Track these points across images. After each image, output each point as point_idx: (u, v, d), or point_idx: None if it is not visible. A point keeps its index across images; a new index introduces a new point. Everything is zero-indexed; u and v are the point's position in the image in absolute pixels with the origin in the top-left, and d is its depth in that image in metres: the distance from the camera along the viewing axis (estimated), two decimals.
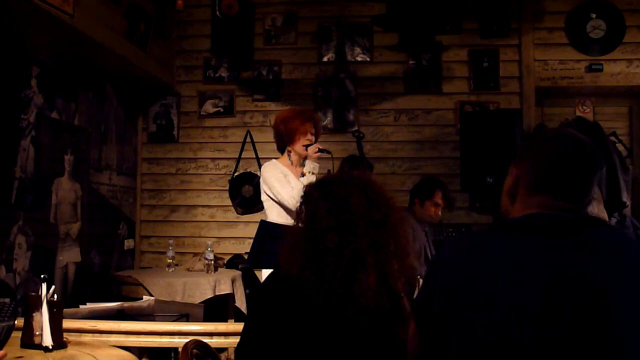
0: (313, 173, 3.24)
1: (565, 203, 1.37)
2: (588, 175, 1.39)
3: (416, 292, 2.71)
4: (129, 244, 4.89)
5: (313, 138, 3.34)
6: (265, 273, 3.23)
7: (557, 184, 1.38)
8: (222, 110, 5.09)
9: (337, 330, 1.57)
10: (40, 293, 1.91)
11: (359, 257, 1.60)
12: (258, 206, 4.75)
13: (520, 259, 1.28)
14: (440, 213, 4.09)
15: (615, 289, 1.23)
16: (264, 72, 5.06)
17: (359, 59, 5.01)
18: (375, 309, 1.57)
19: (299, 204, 1.76)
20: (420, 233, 4.02)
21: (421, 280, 2.89)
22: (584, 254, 1.27)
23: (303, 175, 3.27)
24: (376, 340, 1.58)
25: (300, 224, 1.73)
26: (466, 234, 1.48)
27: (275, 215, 3.26)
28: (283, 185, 3.22)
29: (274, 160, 3.44)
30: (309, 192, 1.76)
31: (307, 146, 3.29)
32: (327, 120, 4.94)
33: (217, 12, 4.54)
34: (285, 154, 3.42)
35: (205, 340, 2.01)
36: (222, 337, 2.30)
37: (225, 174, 5.01)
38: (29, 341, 1.89)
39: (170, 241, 4.45)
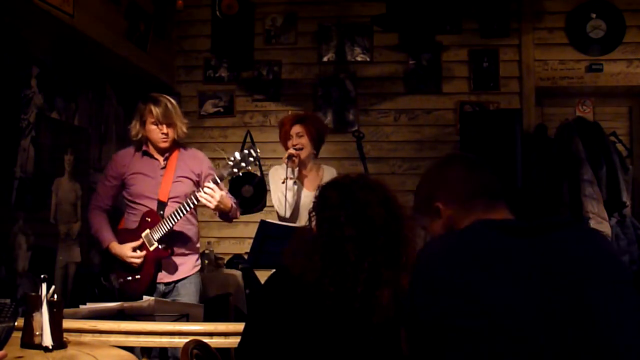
0: (291, 178, 3.28)
1: (502, 202, 1.46)
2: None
3: None
4: None
5: (301, 141, 3.37)
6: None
7: (488, 190, 1.47)
8: (222, 110, 5.08)
9: (345, 340, 1.55)
10: (40, 293, 1.90)
11: (377, 271, 1.57)
12: (258, 206, 4.76)
13: (502, 259, 1.29)
14: None
15: (597, 285, 1.25)
16: (264, 72, 5.06)
17: (359, 59, 5.00)
18: (384, 324, 1.55)
19: (312, 205, 1.71)
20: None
21: None
22: (564, 252, 1.30)
23: (283, 182, 3.32)
24: (381, 352, 1.56)
25: (313, 226, 1.67)
26: (444, 236, 1.48)
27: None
28: (274, 190, 3.43)
29: (282, 164, 3.50)
30: (326, 194, 1.69)
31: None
32: (327, 121, 4.94)
33: (217, 12, 4.54)
34: None
35: (205, 340, 2.01)
36: (222, 337, 2.29)
37: None
38: (29, 341, 1.89)
39: None
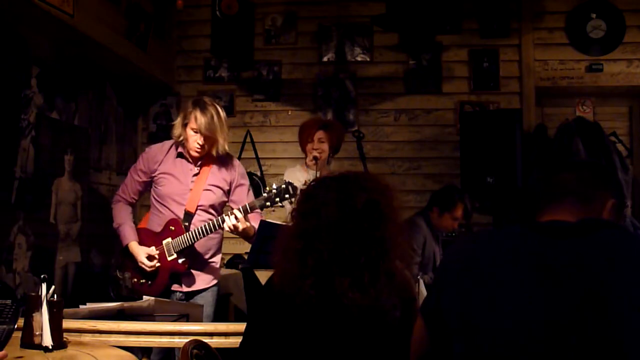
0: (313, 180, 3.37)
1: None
2: None
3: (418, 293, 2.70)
4: None
5: (322, 146, 3.50)
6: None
7: (545, 192, 1.49)
8: None
9: (322, 339, 1.56)
10: (40, 293, 1.90)
11: (324, 265, 1.55)
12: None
13: (528, 258, 1.29)
14: (456, 226, 3.95)
15: (624, 289, 1.22)
16: (264, 72, 5.06)
17: (359, 59, 5.00)
18: (357, 319, 1.54)
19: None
20: (430, 241, 3.90)
21: (422, 284, 2.89)
22: (592, 254, 1.27)
23: (304, 184, 3.41)
24: (362, 347, 1.56)
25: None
26: (473, 233, 1.49)
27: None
28: None
29: (297, 165, 3.67)
30: (300, 194, 1.75)
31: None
32: None
33: (217, 12, 4.53)
34: None
35: (205, 340, 2.01)
36: (222, 337, 2.29)
37: None
38: (29, 341, 1.89)
39: None
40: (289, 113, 5.02)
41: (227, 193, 3.03)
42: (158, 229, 2.97)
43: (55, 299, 1.94)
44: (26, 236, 3.44)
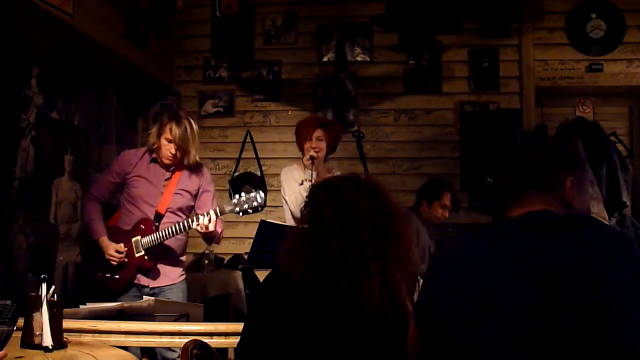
0: (309, 180, 3.34)
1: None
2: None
3: (416, 293, 2.71)
4: None
5: (320, 145, 3.45)
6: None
7: (515, 184, 1.50)
8: (222, 110, 5.08)
9: (340, 335, 1.56)
10: (40, 293, 1.90)
11: (363, 264, 1.59)
12: None
13: (518, 254, 1.30)
14: (447, 214, 4.11)
15: (611, 281, 1.25)
16: (264, 72, 5.06)
17: (359, 59, 5.00)
18: (379, 316, 1.56)
19: (303, 205, 1.75)
20: (424, 234, 4.02)
21: (422, 282, 2.91)
22: (580, 248, 1.29)
23: (301, 184, 3.40)
24: (378, 345, 1.57)
25: (304, 225, 1.71)
26: (462, 233, 1.54)
27: (287, 215, 3.47)
28: (290, 189, 3.44)
29: (295, 164, 3.62)
30: (315, 194, 1.74)
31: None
32: None
33: (217, 12, 4.54)
34: None
35: (205, 340, 2.01)
36: (222, 337, 2.29)
37: (225, 174, 5.01)
38: (29, 341, 1.89)
39: None
40: (289, 113, 5.01)
41: (194, 197, 3.20)
42: (127, 227, 3.11)
43: (55, 299, 1.94)
44: (26, 236, 3.44)
